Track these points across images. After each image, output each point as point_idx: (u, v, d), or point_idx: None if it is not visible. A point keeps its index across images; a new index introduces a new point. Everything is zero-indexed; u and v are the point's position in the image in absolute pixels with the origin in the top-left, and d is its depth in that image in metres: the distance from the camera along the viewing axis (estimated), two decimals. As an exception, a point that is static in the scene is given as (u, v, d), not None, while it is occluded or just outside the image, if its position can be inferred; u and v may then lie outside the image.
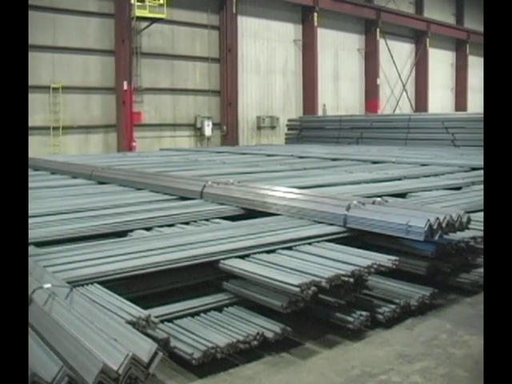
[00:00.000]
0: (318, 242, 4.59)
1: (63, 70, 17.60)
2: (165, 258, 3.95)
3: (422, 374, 3.25)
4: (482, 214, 5.79)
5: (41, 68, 17.03)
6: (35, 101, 16.55)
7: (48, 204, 6.37)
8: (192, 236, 4.61)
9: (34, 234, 4.72)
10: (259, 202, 5.90)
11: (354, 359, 3.48)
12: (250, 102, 23.16)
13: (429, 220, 4.35)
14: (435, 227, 4.37)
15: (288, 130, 22.89)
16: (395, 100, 30.19)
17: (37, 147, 16.26)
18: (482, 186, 7.76)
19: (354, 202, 5.13)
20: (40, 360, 2.52)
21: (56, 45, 17.44)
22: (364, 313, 3.84)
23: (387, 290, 4.30)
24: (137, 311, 3.18)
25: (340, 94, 27.15)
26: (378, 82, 28.20)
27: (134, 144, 18.78)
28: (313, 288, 3.53)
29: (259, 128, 23.49)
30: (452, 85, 35.32)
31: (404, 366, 3.38)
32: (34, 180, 8.85)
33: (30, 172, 10.12)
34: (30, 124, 15.71)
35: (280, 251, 4.32)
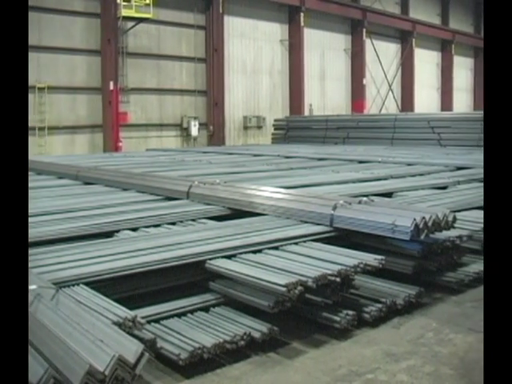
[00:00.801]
0: (304, 241, 4.60)
1: (49, 70, 17.51)
2: (151, 258, 3.94)
3: (408, 373, 3.27)
4: (467, 213, 5.84)
5: (26, 68, 16.91)
6: (20, 101, 16.43)
7: (33, 205, 6.32)
8: (178, 236, 4.60)
9: (19, 234, 4.68)
10: (246, 202, 5.90)
11: (340, 358, 3.49)
12: (237, 101, 23.16)
13: (415, 219, 4.37)
14: (421, 226, 4.39)
15: (274, 129, 22.92)
16: (381, 100, 30.31)
17: (22, 148, 16.14)
18: (467, 186, 7.82)
19: (341, 201, 5.14)
20: (25, 362, 2.50)
21: (41, 44, 17.35)
22: (351, 312, 3.85)
23: (374, 290, 4.31)
24: (123, 312, 3.17)
25: (326, 94, 27.22)
26: (365, 81, 28.30)
27: (120, 144, 18.71)
28: (299, 288, 3.53)
29: (246, 128, 23.50)
30: (438, 85, 35.53)
31: (390, 364, 3.39)
32: (20, 181, 8.77)
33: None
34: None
35: (266, 251, 4.32)
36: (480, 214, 5.88)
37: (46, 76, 17.38)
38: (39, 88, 17.19)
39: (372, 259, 4.05)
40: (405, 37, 31.79)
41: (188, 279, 4.10)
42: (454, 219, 4.69)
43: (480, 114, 18.07)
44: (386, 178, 8.52)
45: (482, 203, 6.34)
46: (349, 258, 4.05)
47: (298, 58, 24.81)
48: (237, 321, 3.69)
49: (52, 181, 9.01)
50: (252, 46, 23.76)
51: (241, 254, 4.20)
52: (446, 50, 35.45)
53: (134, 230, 5.24)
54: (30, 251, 4.31)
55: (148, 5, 18.69)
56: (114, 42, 18.52)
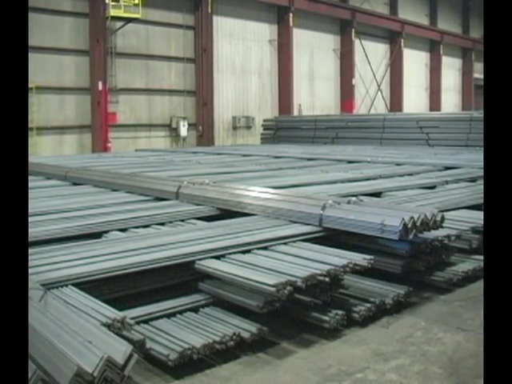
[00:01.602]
0: (293, 241, 4.60)
1: (37, 70, 17.40)
2: (140, 259, 3.93)
3: (397, 372, 3.28)
4: (455, 212, 5.87)
5: (14, 68, 16.82)
6: (8, 101, 16.34)
7: (21, 206, 6.29)
8: (168, 237, 4.59)
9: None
10: (235, 202, 5.90)
11: (330, 358, 3.49)
12: (226, 102, 23.15)
13: (403, 219, 4.38)
14: (410, 226, 4.40)
15: (263, 130, 22.93)
16: (370, 100, 30.40)
17: (10, 148, 16.05)
18: (455, 185, 7.86)
19: (330, 201, 5.15)
20: (13, 363, 2.49)
21: (29, 44, 17.21)
22: (340, 312, 3.86)
23: (363, 289, 4.32)
24: (112, 313, 3.16)
25: (315, 94, 27.25)
26: (354, 82, 28.37)
27: (109, 145, 18.67)
28: (288, 288, 3.54)
29: (235, 128, 23.49)
30: (426, 85, 35.70)
31: (380, 364, 3.40)
32: (8, 181, 8.73)
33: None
34: (3, 125, 15.50)
35: (256, 251, 4.32)
36: (468, 213, 5.92)
37: (35, 76, 17.26)
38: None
39: (361, 259, 4.07)
40: (393, 37, 31.90)
41: (177, 280, 4.09)
42: (443, 219, 4.71)
43: (468, 114, 18.18)
44: (374, 178, 8.54)
45: (469, 203, 6.38)
46: (338, 257, 4.06)
47: (287, 58, 24.83)
48: (226, 321, 3.69)
49: (40, 181, 8.97)
50: (241, 46, 23.75)
51: (230, 254, 4.21)
52: (435, 50, 35.63)
53: (123, 230, 5.22)
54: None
55: (137, 5, 18.65)
56: (102, 42, 18.46)
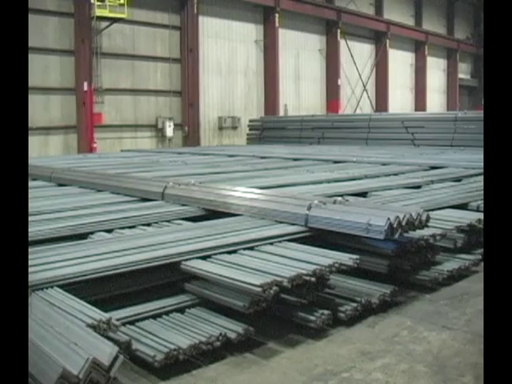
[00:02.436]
0: (279, 241, 4.61)
1: (21, 71, 17.28)
2: (126, 260, 3.92)
3: (383, 371, 3.29)
4: (440, 211, 5.89)
5: (-2, 68, 16.71)
6: (-8, 102, 16.23)
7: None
8: (153, 238, 4.57)
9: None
10: (221, 203, 5.89)
11: (316, 358, 3.50)
12: (212, 102, 23.13)
13: (389, 219, 4.40)
14: (395, 226, 4.42)
15: (249, 130, 22.93)
16: (356, 100, 30.50)
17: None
18: (440, 185, 7.90)
19: (316, 201, 5.16)
20: (-2, 366, 2.47)
21: (13, 45, 17.13)
22: (326, 311, 3.86)
23: (349, 289, 4.34)
24: (98, 314, 3.15)
25: (301, 95, 27.30)
26: (339, 82, 28.45)
27: (94, 145, 18.59)
28: (275, 288, 3.54)
29: (221, 128, 23.47)
30: (411, 85, 35.87)
31: (366, 363, 3.41)
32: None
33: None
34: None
35: (242, 251, 4.32)
36: (453, 212, 5.96)
37: (19, 76, 17.18)
38: (12, 89, 16.97)
39: (347, 259, 4.08)
40: (379, 37, 32.03)
41: (163, 280, 4.08)
42: (428, 218, 4.73)
43: (453, 114, 18.29)
44: (360, 178, 8.57)
45: (454, 202, 6.42)
46: (324, 257, 4.07)
47: (273, 59, 24.86)
48: (212, 322, 3.68)
49: (25, 182, 8.89)
50: (227, 47, 23.74)
51: (216, 254, 4.20)
52: (420, 50, 35.81)
53: (108, 231, 5.21)
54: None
55: (122, 5, 18.57)
56: (87, 42, 18.37)
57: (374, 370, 3.30)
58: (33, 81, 17.53)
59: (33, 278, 3.57)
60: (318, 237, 4.92)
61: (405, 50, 34.93)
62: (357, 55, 30.34)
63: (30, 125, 17.47)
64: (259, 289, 3.48)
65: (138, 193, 6.96)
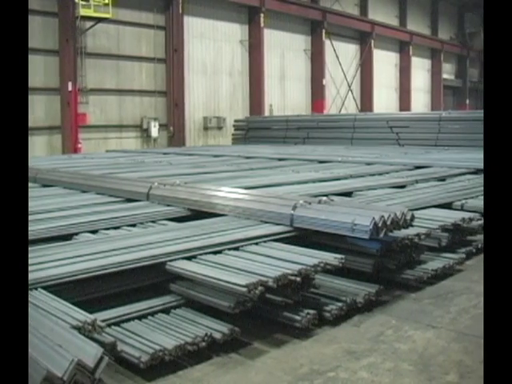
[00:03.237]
0: (264, 241, 4.61)
1: (5, 71, 17.17)
2: (111, 260, 3.90)
3: (368, 370, 3.31)
4: (425, 211, 5.93)
5: (-19, 68, 16.57)
6: (-25, 102, 16.09)
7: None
8: (138, 238, 4.56)
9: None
10: (206, 203, 5.88)
11: (302, 357, 3.51)
12: (197, 102, 23.10)
13: (374, 218, 4.42)
14: (380, 225, 4.43)
15: (235, 130, 22.93)
16: (341, 100, 30.58)
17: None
18: (425, 184, 7.94)
19: (301, 201, 5.17)
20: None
21: (-3, 44, 17.01)
22: (311, 311, 3.87)
23: (334, 288, 4.35)
24: (82, 316, 3.13)
25: (286, 95, 27.34)
26: (324, 82, 28.52)
27: (79, 146, 18.49)
28: (260, 288, 3.54)
29: (206, 129, 23.45)
30: (396, 85, 36.04)
31: (351, 362, 3.42)
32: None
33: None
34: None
35: (227, 252, 4.32)
36: (437, 211, 5.99)
37: (2, 77, 17.06)
38: (-5, 89, 16.84)
39: (332, 258, 4.09)
40: (364, 38, 32.15)
41: (149, 281, 4.07)
42: (413, 217, 4.76)
43: (437, 114, 18.40)
44: (345, 178, 8.60)
45: (439, 201, 6.46)
46: (309, 257, 4.08)
47: (258, 59, 24.87)
48: (198, 322, 3.68)
49: (9, 183, 8.83)
50: (212, 47, 23.72)
51: (201, 255, 4.19)
52: (404, 51, 36.00)
53: (93, 232, 5.19)
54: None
55: (107, 4, 18.49)
56: (72, 41, 18.27)
57: (360, 369, 3.32)
58: (16, 81, 17.41)
59: (17, 279, 3.55)
60: (303, 237, 4.93)
61: (389, 50, 35.09)
62: (342, 55, 30.43)
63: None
64: (244, 289, 3.48)
65: (123, 193, 6.93)
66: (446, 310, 4.30)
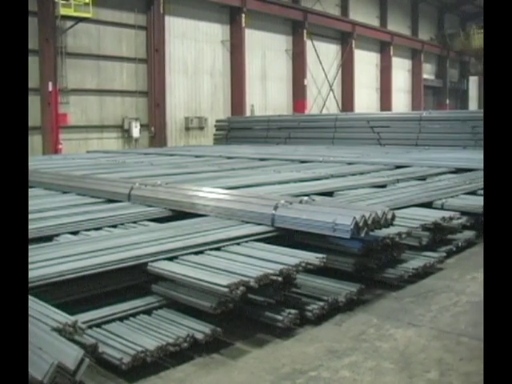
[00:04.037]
0: (246, 242, 4.61)
1: (-17, 71, 17.00)
2: (92, 262, 3.88)
3: (350, 369, 3.32)
4: (406, 210, 5.96)
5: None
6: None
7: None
8: (119, 239, 4.54)
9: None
10: (187, 204, 5.87)
11: (284, 357, 3.51)
12: (178, 102, 23.05)
13: (355, 218, 4.43)
14: (361, 224, 4.45)
15: (216, 130, 22.91)
16: (322, 100, 30.68)
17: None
18: (405, 184, 7.99)
19: (282, 201, 5.18)
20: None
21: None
22: (293, 311, 3.88)
23: (316, 288, 4.36)
24: (63, 317, 3.11)
25: (268, 95, 27.37)
26: (306, 82, 28.60)
27: (59, 146, 18.37)
28: (242, 288, 3.54)
29: (187, 129, 23.41)
30: (377, 85, 36.24)
31: (333, 361, 3.43)
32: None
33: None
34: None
35: (208, 252, 4.31)
36: (418, 211, 6.03)
37: (-19, 77, 16.89)
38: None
39: (313, 258, 4.10)
40: (345, 38, 32.28)
41: (130, 282, 4.05)
42: (393, 217, 4.78)
43: (418, 113, 18.53)
44: (326, 178, 8.62)
45: (419, 201, 6.50)
46: (290, 257, 4.09)
47: (240, 59, 24.87)
48: (180, 323, 3.67)
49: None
50: (193, 47, 23.68)
51: (183, 255, 4.18)
52: (385, 51, 36.22)
53: (74, 233, 5.15)
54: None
55: (87, 4, 18.39)
56: (52, 41, 18.15)
57: (342, 368, 3.33)
58: (-4, 81, 17.26)
59: (-4, 281, 3.52)
60: (284, 236, 4.94)
61: (370, 51, 35.28)
62: (323, 55, 30.53)
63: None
64: (226, 289, 3.48)
65: (103, 194, 6.90)
66: (426, 308, 4.33)
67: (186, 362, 3.45)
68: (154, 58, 21.44)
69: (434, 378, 3.19)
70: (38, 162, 12.58)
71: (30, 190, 7.97)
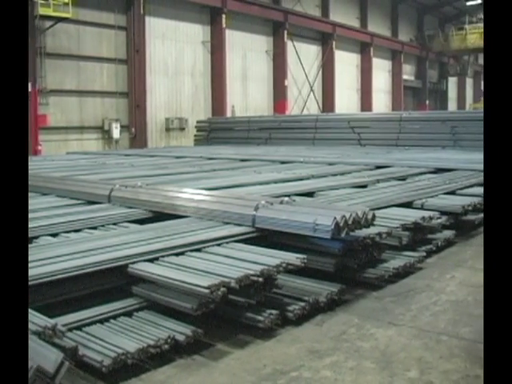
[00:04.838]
0: (227, 242, 4.61)
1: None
2: (72, 264, 3.85)
3: (331, 369, 3.33)
4: (386, 210, 6.00)
5: None
6: None
7: None
8: (99, 241, 4.51)
9: None
10: (168, 205, 5.85)
11: (265, 358, 3.51)
12: (159, 103, 22.98)
13: (335, 218, 4.45)
14: (342, 225, 4.47)
15: (197, 131, 22.89)
16: (303, 101, 30.76)
17: None
18: (386, 184, 8.04)
19: (263, 202, 5.18)
20: None
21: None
22: (274, 311, 3.88)
23: (297, 288, 4.37)
24: (43, 320, 3.08)
25: (249, 95, 27.39)
26: (286, 83, 28.66)
27: (39, 148, 18.22)
28: (222, 289, 3.54)
29: (168, 130, 23.34)
30: (357, 86, 36.42)
31: (314, 361, 3.44)
32: None
33: None
34: None
35: (189, 253, 4.30)
36: (398, 211, 6.07)
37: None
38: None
39: (294, 258, 4.10)
40: (325, 39, 32.40)
41: (110, 284, 4.03)
42: (374, 217, 4.80)
43: (398, 114, 18.66)
44: (307, 178, 8.65)
45: (399, 201, 6.54)
46: (271, 257, 4.09)
47: (220, 60, 24.86)
48: (160, 324, 3.66)
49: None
50: (174, 47, 23.62)
51: (163, 257, 4.17)
52: (365, 52, 36.41)
53: (53, 235, 5.11)
54: None
55: (67, 4, 18.26)
56: (31, 41, 17.98)
57: (323, 368, 3.34)
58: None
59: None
60: (265, 237, 4.94)
61: (351, 52, 35.44)
62: (303, 56, 30.61)
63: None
64: (207, 290, 3.47)
65: (83, 196, 6.85)
66: (407, 307, 4.36)
67: (167, 363, 3.44)
68: (134, 59, 21.36)
69: (414, 377, 3.21)
70: (16, 163, 12.45)
71: (8, 191, 7.90)
